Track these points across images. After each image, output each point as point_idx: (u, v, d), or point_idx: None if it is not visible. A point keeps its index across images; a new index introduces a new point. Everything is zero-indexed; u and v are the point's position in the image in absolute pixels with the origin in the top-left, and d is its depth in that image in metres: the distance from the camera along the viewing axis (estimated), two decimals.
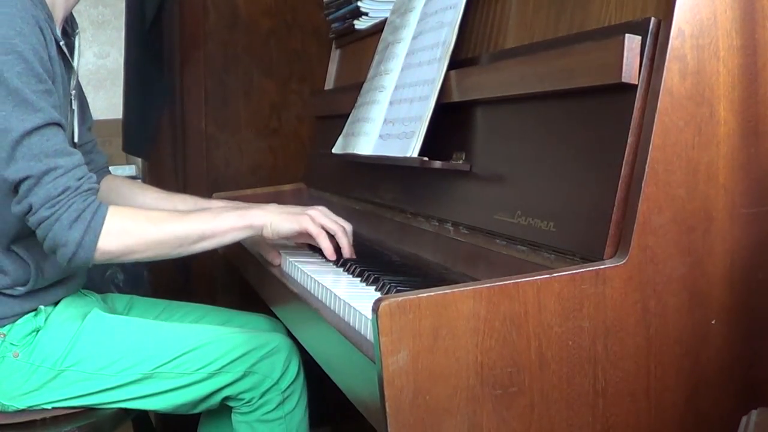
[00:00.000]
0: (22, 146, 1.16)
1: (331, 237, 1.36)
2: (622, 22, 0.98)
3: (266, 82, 2.20)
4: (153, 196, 1.59)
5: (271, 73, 2.21)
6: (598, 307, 0.85)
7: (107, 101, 3.89)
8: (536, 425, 0.84)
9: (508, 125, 1.16)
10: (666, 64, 0.87)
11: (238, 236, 1.33)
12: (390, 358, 0.79)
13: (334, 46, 2.10)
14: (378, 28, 1.71)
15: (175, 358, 1.32)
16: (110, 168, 1.66)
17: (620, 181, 0.88)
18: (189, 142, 2.15)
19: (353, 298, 1.05)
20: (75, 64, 1.38)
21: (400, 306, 0.79)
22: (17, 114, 1.15)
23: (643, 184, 0.86)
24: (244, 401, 1.37)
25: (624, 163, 0.89)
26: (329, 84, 2.09)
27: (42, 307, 1.33)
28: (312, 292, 1.21)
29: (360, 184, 1.63)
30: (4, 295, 1.29)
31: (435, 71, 1.29)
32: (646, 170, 0.86)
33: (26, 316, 1.31)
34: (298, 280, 1.30)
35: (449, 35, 1.29)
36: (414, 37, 1.43)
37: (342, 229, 1.36)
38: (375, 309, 0.79)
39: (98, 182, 1.28)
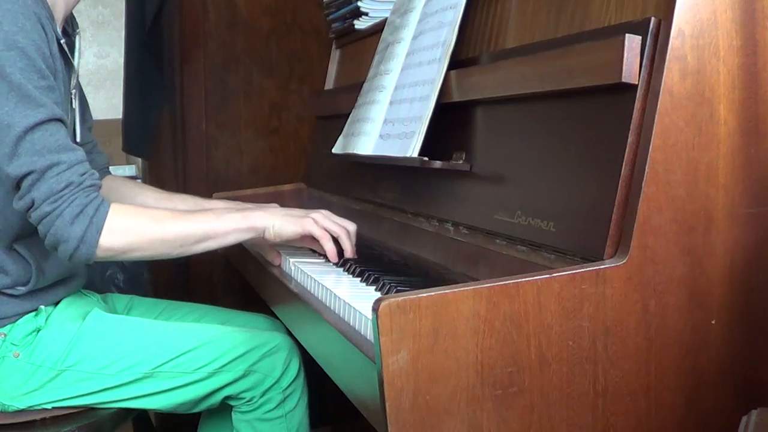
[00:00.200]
0: (24, 141, 1.16)
1: (334, 239, 1.35)
2: (622, 22, 0.98)
3: (266, 82, 2.20)
4: (153, 196, 1.59)
5: (271, 73, 2.21)
6: (598, 307, 0.85)
7: (107, 101, 3.89)
8: (536, 425, 0.84)
9: (508, 125, 1.16)
10: (666, 64, 0.87)
11: (239, 238, 1.33)
12: (390, 358, 0.79)
13: (334, 46, 2.10)
14: (378, 28, 1.71)
15: (175, 357, 1.32)
16: (110, 168, 1.66)
17: (620, 181, 0.88)
18: (189, 142, 2.15)
19: (353, 298, 1.05)
20: (75, 63, 1.38)
21: (400, 306, 0.79)
22: (20, 109, 1.15)
23: (643, 184, 0.86)
24: (244, 400, 1.37)
25: (624, 163, 0.89)
26: (329, 84, 2.09)
27: (42, 307, 1.33)
28: (312, 292, 1.21)
29: (360, 184, 1.63)
30: (5, 294, 1.29)
31: (435, 71, 1.29)
32: (646, 170, 0.86)
33: (27, 316, 1.31)
34: (299, 281, 1.30)
35: (449, 35, 1.29)
36: (414, 37, 1.43)
37: (345, 231, 1.36)
38: (375, 309, 0.79)
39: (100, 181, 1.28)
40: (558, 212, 0.98)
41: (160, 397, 1.33)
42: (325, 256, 1.38)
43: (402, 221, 1.43)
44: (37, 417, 1.31)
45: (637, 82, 0.89)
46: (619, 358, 0.87)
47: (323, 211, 1.38)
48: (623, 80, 0.89)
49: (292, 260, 1.39)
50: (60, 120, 1.20)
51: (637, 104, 0.89)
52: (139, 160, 2.94)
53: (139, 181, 2.84)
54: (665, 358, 0.89)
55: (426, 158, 1.24)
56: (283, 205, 1.66)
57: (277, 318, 1.47)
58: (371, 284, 1.17)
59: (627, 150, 0.89)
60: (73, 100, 1.38)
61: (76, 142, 1.38)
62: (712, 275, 0.90)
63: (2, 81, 1.15)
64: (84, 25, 3.89)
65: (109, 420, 1.34)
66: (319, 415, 1.55)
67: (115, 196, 1.54)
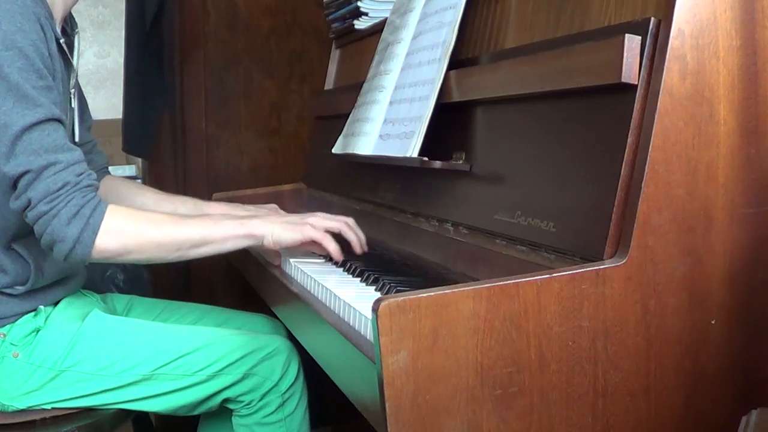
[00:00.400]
0: (22, 141, 1.15)
1: (336, 237, 1.35)
2: (622, 22, 0.98)
3: (266, 82, 2.20)
4: (153, 197, 1.59)
5: (271, 73, 2.21)
6: (598, 307, 0.85)
7: (107, 101, 3.89)
8: (536, 425, 0.84)
9: (508, 125, 1.16)
10: (666, 64, 0.87)
11: (237, 244, 1.32)
12: (390, 358, 0.79)
13: (334, 46, 2.10)
14: (378, 28, 1.71)
15: (174, 360, 1.32)
16: (110, 168, 1.66)
17: (620, 181, 0.88)
18: (189, 142, 2.15)
19: (353, 298, 1.05)
20: (74, 62, 1.38)
21: (400, 306, 0.79)
22: (18, 109, 1.15)
23: (643, 184, 0.86)
24: (243, 403, 1.37)
25: (624, 163, 0.89)
26: (329, 84, 2.09)
27: (42, 307, 1.33)
28: (312, 292, 1.21)
29: (360, 184, 1.63)
30: (4, 294, 1.29)
31: (435, 71, 1.29)
32: (646, 170, 0.86)
33: (26, 316, 1.31)
34: (299, 281, 1.30)
35: (449, 35, 1.29)
36: (414, 37, 1.43)
37: (345, 224, 1.36)
38: (375, 309, 0.79)
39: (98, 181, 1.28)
40: (558, 212, 0.98)
41: (159, 399, 1.33)
42: (326, 256, 1.38)
43: (402, 221, 1.43)
44: (37, 417, 1.31)
45: (636, 82, 0.89)
46: (619, 358, 0.87)
47: (319, 214, 1.38)
48: (623, 80, 0.89)
49: (292, 260, 1.39)
50: (58, 120, 1.20)
51: (637, 104, 0.89)
52: (139, 160, 2.94)
53: (139, 181, 2.84)
54: (665, 358, 0.89)
55: (426, 158, 1.24)
56: (282, 205, 1.66)
57: (277, 318, 1.47)
58: (371, 284, 1.17)
59: (627, 150, 0.89)
60: (72, 100, 1.38)
61: (74, 142, 1.38)
62: (712, 275, 0.90)
63: (0, 81, 1.15)
64: (84, 25, 3.89)
65: (108, 420, 1.34)
66: (319, 415, 1.55)
67: (115, 196, 1.54)
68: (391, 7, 1.65)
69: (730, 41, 0.90)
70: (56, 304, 1.37)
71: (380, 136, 1.41)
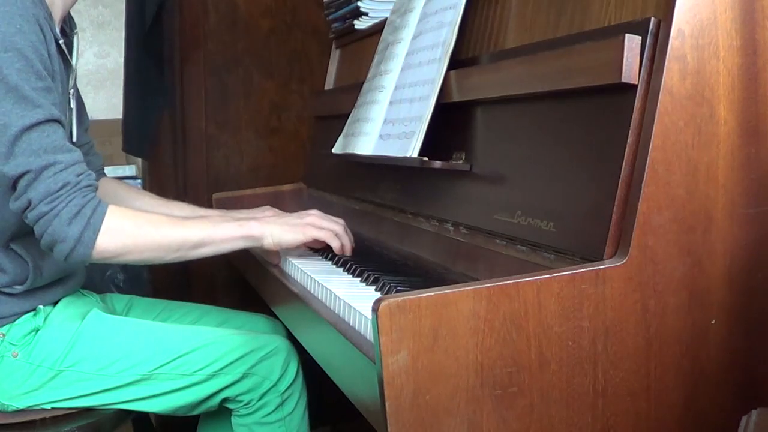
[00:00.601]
0: (21, 142, 1.16)
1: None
2: (622, 22, 0.98)
3: (266, 82, 2.20)
4: (151, 202, 1.59)
5: (271, 73, 2.21)
6: (598, 307, 0.85)
7: (107, 101, 3.89)
8: (536, 425, 0.84)
9: (508, 125, 1.16)
10: (666, 64, 0.87)
11: (236, 245, 1.32)
12: (390, 358, 0.79)
13: (334, 46, 2.10)
14: (378, 28, 1.71)
15: (174, 360, 1.32)
16: (110, 168, 1.66)
17: (620, 181, 0.88)
18: (189, 142, 2.15)
19: (353, 298, 1.05)
20: (74, 62, 1.38)
21: (400, 306, 0.79)
22: (17, 110, 1.15)
23: (643, 184, 0.86)
24: (242, 403, 1.37)
25: (624, 163, 0.89)
26: (329, 84, 2.09)
27: (41, 306, 1.33)
28: (312, 292, 1.21)
29: (360, 184, 1.63)
30: (3, 294, 1.29)
31: (435, 71, 1.29)
32: (646, 170, 0.86)
33: (25, 315, 1.31)
34: (298, 280, 1.30)
35: (449, 35, 1.29)
36: (414, 37, 1.43)
37: (342, 227, 1.39)
38: (375, 309, 0.79)
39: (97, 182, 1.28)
40: (558, 212, 0.98)
41: (158, 399, 1.33)
42: (322, 251, 1.39)
43: (402, 221, 1.43)
44: (37, 417, 1.31)
45: (636, 82, 0.89)
46: (619, 358, 0.87)
47: (314, 212, 1.39)
48: (623, 80, 0.89)
49: (292, 260, 1.39)
50: (57, 121, 1.20)
51: (637, 104, 0.89)
52: (139, 160, 2.93)
53: (139, 181, 2.84)
54: (665, 357, 0.89)
55: (426, 158, 1.24)
56: (282, 205, 1.66)
57: (277, 318, 1.47)
58: (371, 284, 1.17)
59: (627, 150, 0.89)
60: (71, 100, 1.38)
61: (72, 143, 1.38)
62: (712, 275, 0.90)
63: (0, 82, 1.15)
64: (84, 25, 3.89)
65: (108, 420, 1.34)
66: (318, 415, 1.55)
67: (112, 199, 1.53)
68: (391, 7, 1.65)
69: (730, 41, 0.90)
70: (55, 303, 1.37)
71: (380, 136, 1.41)
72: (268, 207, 1.57)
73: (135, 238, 1.23)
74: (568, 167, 0.99)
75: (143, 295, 1.67)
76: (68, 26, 1.42)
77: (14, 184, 1.18)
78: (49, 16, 1.26)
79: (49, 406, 1.31)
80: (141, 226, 1.24)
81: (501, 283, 0.82)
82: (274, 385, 1.36)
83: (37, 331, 1.31)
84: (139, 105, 2.20)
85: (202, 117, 2.15)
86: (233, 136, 2.18)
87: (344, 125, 1.61)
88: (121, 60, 2.32)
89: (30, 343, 1.30)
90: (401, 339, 0.79)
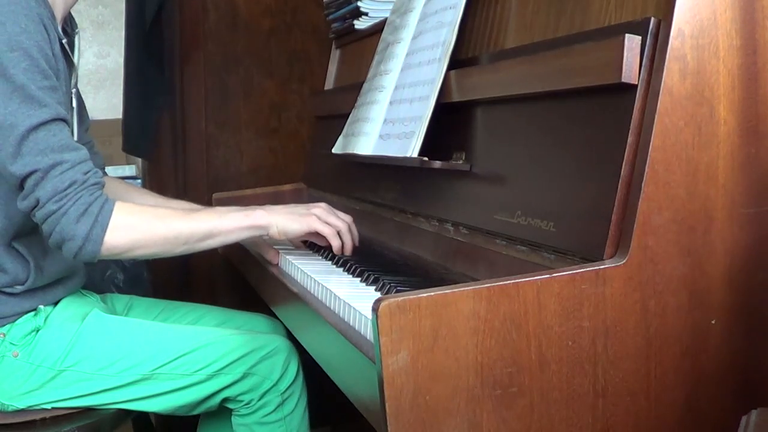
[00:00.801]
0: (28, 141, 1.16)
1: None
2: (622, 22, 0.98)
3: (266, 82, 2.20)
4: (151, 200, 1.59)
5: (271, 73, 2.20)
6: (598, 307, 0.85)
7: (107, 101, 3.89)
8: (536, 425, 0.84)
9: (508, 125, 1.16)
10: (666, 64, 0.87)
11: (242, 236, 1.33)
12: (390, 358, 0.79)
13: (334, 46, 2.10)
14: (378, 28, 1.71)
15: (174, 360, 1.32)
16: (111, 168, 1.66)
17: (620, 181, 0.88)
18: (189, 142, 2.15)
19: (353, 298, 1.05)
20: (76, 60, 1.39)
21: (400, 306, 0.79)
22: (23, 110, 1.16)
23: (643, 184, 0.86)
24: (243, 403, 1.37)
25: (624, 163, 0.89)
26: (329, 84, 2.09)
27: (41, 306, 1.33)
28: (312, 292, 1.21)
29: (360, 184, 1.63)
30: (4, 294, 1.29)
31: (435, 71, 1.29)
32: (646, 170, 0.86)
33: (26, 315, 1.31)
34: (298, 280, 1.30)
35: (449, 35, 1.29)
36: (414, 37, 1.43)
37: (347, 225, 1.38)
38: (375, 309, 0.79)
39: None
40: (558, 212, 0.98)
41: (158, 399, 1.33)
42: (322, 249, 1.39)
43: (402, 221, 1.43)
44: (37, 417, 1.31)
45: (637, 82, 0.89)
46: (619, 358, 0.87)
47: (323, 205, 1.39)
48: (623, 80, 0.89)
49: (292, 260, 1.39)
50: (63, 120, 1.20)
51: (637, 104, 0.89)
52: (139, 160, 2.94)
53: (139, 181, 2.84)
54: (665, 358, 0.89)
55: (426, 158, 1.24)
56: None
57: (277, 318, 1.47)
58: (371, 284, 1.17)
59: (627, 150, 0.89)
60: (73, 99, 1.39)
61: None
62: (712, 275, 0.90)
63: (6, 81, 1.16)
64: (84, 25, 3.89)
65: (108, 420, 1.34)
66: (318, 415, 1.55)
67: (113, 197, 1.54)
68: (391, 7, 1.65)
69: (730, 41, 0.90)
70: (56, 303, 1.37)
71: (380, 136, 1.41)
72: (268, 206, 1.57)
73: (143, 233, 1.24)
74: (568, 167, 0.99)
75: (143, 295, 1.67)
76: (69, 26, 1.42)
77: (22, 183, 1.18)
78: (52, 16, 1.27)
79: (49, 406, 1.31)
80: (148, 220, 1.25)
81: (501, 283, 0.82)
82: (274, 385, 1.36)
83: (37, 331, 1.31)
84: (139, 105, 2.20)
85: (202, 117, 2.15)
86: (233, 136, 2.18)
87: (344, 125, 1.61)
88: (121, 60, 2.32)
89: (30, 343, 1.30)
90: (401, 339, 0.79)
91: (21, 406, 1.30)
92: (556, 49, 1.04)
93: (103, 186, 1.24)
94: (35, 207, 1.18)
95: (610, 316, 0.86)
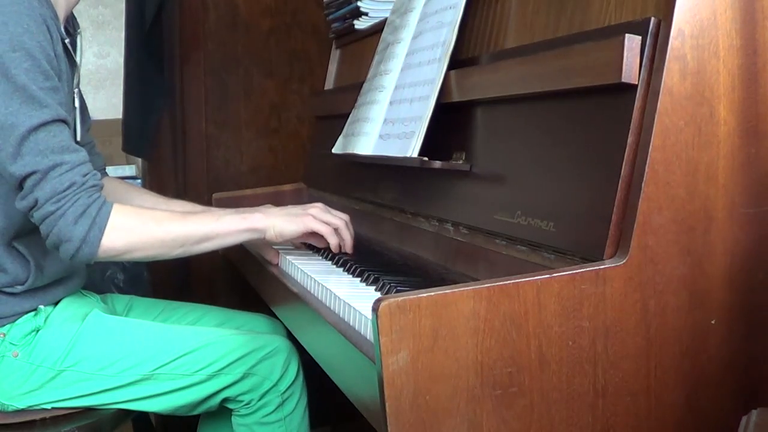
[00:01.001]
0: (28, 141, 1.16)
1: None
2: (622, 22, 0.98)
3: (266, 82, 2.20)
4: (151, 200, 1.59)
5: (271, 73, 2.21)
6: (598, 307, 0.85)
7: (107, 101, 3.89)
8: (536, 425, 0.84)
9: (508, 125, 1.16)
10: (666, 64, 0.87)
11: (239, 238, 1.33)
12: (390, 358, 0.79)
13: (334, 46, 2.10)
14: (378, 28, 1.71)
15: (174, 360, 1.32)
16: (111, 168, 1.66)
17: (620, 181, 0.88)
18: (189, 142, 2.15)
19: (353, 298, 1.05)
20: (78, 61, 1.39)
21: (400, 306, 0.79)
22: (24, 110, 1.16)
23: (643, 184, 0.86)
24: (243, 403, 1.37)
25: (624, 163, 0.89)
26: (329, 84, 2.09)
27: (42, 306, 1.33)
28: (312, 292, 1.21)
29: (360, 184, 1.63)
30: (4, 293, 1.29)
31: (435, 71, 1.29)
32: (646, 170, 0.86)
33: (26, 315, 1.31)
34: (298, 280, 1.30)
35: (449, 35, 1.29)
36: (414, 37, 1.43)
37: (344, 223, 1.38)
38: (375, 309, 0.79)
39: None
40: (558, 212, 0.98)
41: (158, 399, 1.33)
42: (322, 250, 1.38)
43: (402, 221, 1.43)
44: (37, 417, 1.31)
45: (637, 82, 0.89)
46: (619, 358, 0.87)
47: (319, 205, 1.39)
48: (623, 80, 0.89)
49: (292, 260, 1.39)
50: (63, 121, 1.20)
51: (637, 104, 0.89)
52: (139, 160, 2.93)
53: (139, 181, 2.84)
54: (665, 358, 0.89)
55: (426, 158, 1.24)
56: (282, 206, 1.66)
57: (277, 318, 1.47)
58: (371, 284, 1.17)
59: (627, 150, 0.89)
60: (75, 99, 1.39)
61: (76, 142, 1.38)
62: (712, 275, 0.90)
63: (7, 82, 1.16)
64: (84, 25, 3.88)
65: (108, 420, 1.34)
66: (318, 415, 1.55)
67: (112, 198, 1.53)
68: (391, 7, 1.65)
69: (730, 41, 0.90)
70: (56, 303, 1.37)
71: (380, 136, 1.41)
72: (269, 205, 1.57)
73: (140, 235, 1.24)
74: (568, 167, 0.99)
75: (143, 296, 1.67)
76: (72, 26, 1.42)
77: (21, 183, 1.18)
78: (55, 16, 1.27)
79: (49, 406, 1.31)
80: (145, 223, 1.25)
81: (501, 283, 0.82)
82: (274, 385, 1.36)
83: (37, 331, 1.31)
84: (139, 105, 2.20)
85: (202, 117, 2.15)
86: (233, 136, 2.18)
87: (344, 125, 1.61)
88: (121, 60, 2.32)
89: (30, 343, 1.30)
90: (401, 339, 0.79)
91: (21, 406, 1.30)
92: (556, 49, 1.03)
93: (102, 188, 1.24)
94: (34, 207, 1.18)
95: (610, 316, 0.86)
